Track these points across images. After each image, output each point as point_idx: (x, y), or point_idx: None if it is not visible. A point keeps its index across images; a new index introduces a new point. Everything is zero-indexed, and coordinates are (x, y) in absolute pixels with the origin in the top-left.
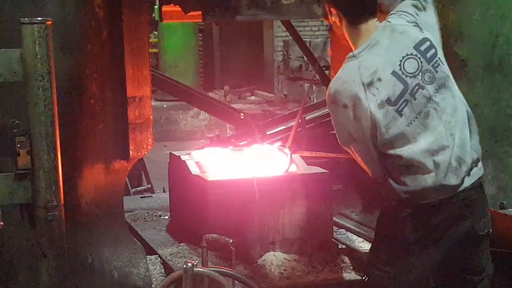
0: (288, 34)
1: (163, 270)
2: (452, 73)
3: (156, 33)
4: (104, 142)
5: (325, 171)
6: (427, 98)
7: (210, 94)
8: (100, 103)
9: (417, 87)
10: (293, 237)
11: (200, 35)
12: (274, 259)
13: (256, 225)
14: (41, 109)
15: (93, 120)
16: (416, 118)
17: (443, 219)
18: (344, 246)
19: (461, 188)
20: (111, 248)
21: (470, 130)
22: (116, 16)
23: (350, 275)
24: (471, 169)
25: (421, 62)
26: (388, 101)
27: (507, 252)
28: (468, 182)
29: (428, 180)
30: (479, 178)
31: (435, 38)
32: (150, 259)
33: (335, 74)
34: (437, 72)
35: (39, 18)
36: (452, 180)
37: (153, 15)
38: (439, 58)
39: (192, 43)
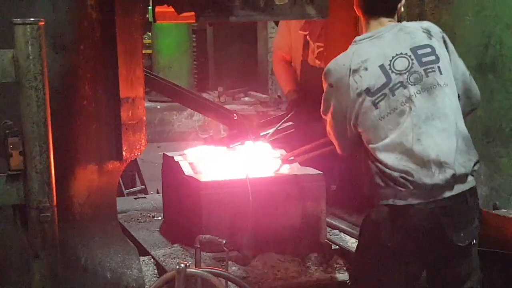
0: None
1: (156, 271)
2: None
3: (149, 34)
4: (97, 143)
5: (319, 172)
6: (406, 97)
7: (204, 95)
8: (93, 104)
9: (399, 84)
10: (287, 238)
11: (194, 36)
12: (268, 260)
13: (250, 226)
14: (33, 109)
15: (86, 121)
16: (390, 113)
17: (419, 226)
18: (337, 247)
19: (439, 196)
20: (104, 249)
21: (457, 146)
22: (109, 17)
23: (343, 275)
24: (453, 182)
25: (413, 63)
26: (367, 91)
27: (500, 252)
28: (448, 193)
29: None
30: (463, 191)
31: (446, 54)
32: (143, 260)
33: None
34: (427, 76)
35: (32, 19)
36: (426, 180)
37: (147, 16)
38: (438, 67)
39: (186, 44)
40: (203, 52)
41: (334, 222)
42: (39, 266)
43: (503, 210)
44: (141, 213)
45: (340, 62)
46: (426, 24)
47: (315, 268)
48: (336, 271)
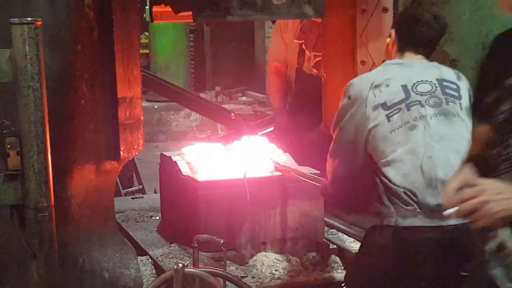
0: None
1: (154, 271)
2: None
3: (147, 33)
4: (95, 142)
5: (317, 171)
6: (421, 115)
7: (201, 94)
8: (91, 104)
9: (417, 102)
10: (285, 237)
11: (191, 35)
12: (266, 259)
13: (248, 226)
14: (31, 109)
15: (84, 120)
16: (401, 127)
17: (423, 254)
18: (335, 246)
19: (445, 221)
20: (102, 249)
21: None
22: (106, 17)
23: (341, 275)
24: None
25: (435, 89)
26: (383, 105)
27: None
28: (455, 219)
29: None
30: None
31: (468, 100)
32: (141, 260)
33: (326, 73)
34: (447, 104)
35: (29, 19)
36: (430, 199)
37: (144, 15)
38: (460, 103)
39: (183, 44)
40: (201, 51)
41: (332, 222)
42: (37, 266)
43: None
44: (138, 213)
45: (364, 77)
46: (457, 71)
47: (313, 267)
48: (334, 271)
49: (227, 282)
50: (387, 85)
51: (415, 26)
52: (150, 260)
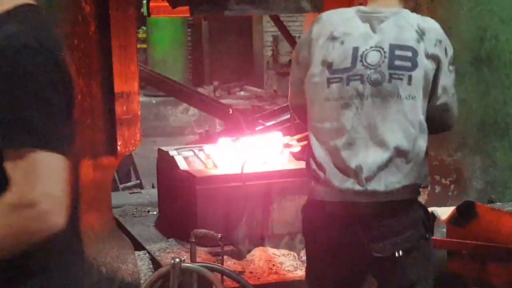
0: (277, 29)
1: (151, 265)
2: None
3: (144, 28)
4: (92, 137)
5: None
6: (358, 93)
7: (199, 89)
8: (88, 99)
9: (358, 77)
10: (282, 233)
11: (189, 30)
12: (263, 254)
13: (245, 220)
14: None
15: (81, 115)
16: (336, 100)
17: (334, 230)
18: None
19: (352, 199)
20: (99, 244)
21: (387, 163)
22: (103, 11)
23: None
24: (364, 194)
25: (383, 61)
26: (329, 65)
27: (495, 246)
28: (364, 198)
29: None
30: (392, 201)
31: (430, 64)
32: (138, 255)
33: None
34: (389, 82)
35: None
36: (336, 182)
37: (142, 10)
38: (409, 76)
39: (181, 38)
40: (198, 46)
41: None
42: None
43: (498, 203)
44: (136, 208)
45: (333, 19)
46: (427, 24)
47: None
48: None
49: (224, 277)
50: (342, 42)
51: None
52: (147, 255)
